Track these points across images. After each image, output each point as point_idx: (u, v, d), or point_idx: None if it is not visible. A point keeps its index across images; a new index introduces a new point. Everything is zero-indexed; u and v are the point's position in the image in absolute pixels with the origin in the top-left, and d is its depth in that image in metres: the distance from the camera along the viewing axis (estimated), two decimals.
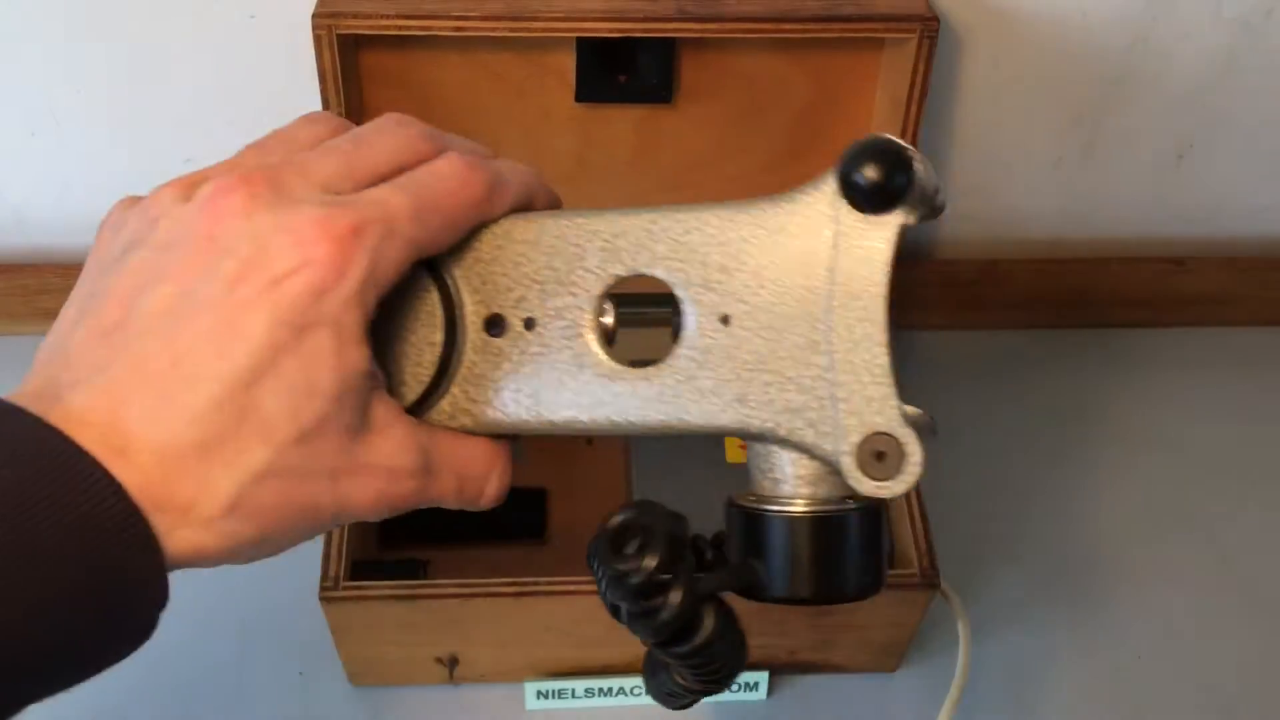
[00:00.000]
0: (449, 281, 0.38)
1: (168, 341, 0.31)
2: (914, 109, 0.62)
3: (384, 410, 0.35)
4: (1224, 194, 0.78)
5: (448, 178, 0.36)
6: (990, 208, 0.78)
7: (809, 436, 0.34)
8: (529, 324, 0.37)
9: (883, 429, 0.34)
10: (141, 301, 0.32)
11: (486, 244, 0.38)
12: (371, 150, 0.36)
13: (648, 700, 0.62)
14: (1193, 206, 0.79)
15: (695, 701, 0.42)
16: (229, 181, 0.33)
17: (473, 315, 0.38)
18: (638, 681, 0.61)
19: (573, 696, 0.62)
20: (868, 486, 0.34)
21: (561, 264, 0.37)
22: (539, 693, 0.62)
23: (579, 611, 0.58)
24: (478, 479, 0.38)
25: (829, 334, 0.34)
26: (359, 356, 0.33)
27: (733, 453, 0.65)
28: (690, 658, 0.36)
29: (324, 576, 0.57)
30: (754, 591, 0.36)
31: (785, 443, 0.35)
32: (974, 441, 0.76)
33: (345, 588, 0.57)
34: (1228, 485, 0.74)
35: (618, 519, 0.35)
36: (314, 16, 0.58)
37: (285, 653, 0.64)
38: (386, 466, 0.35)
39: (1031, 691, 0.64)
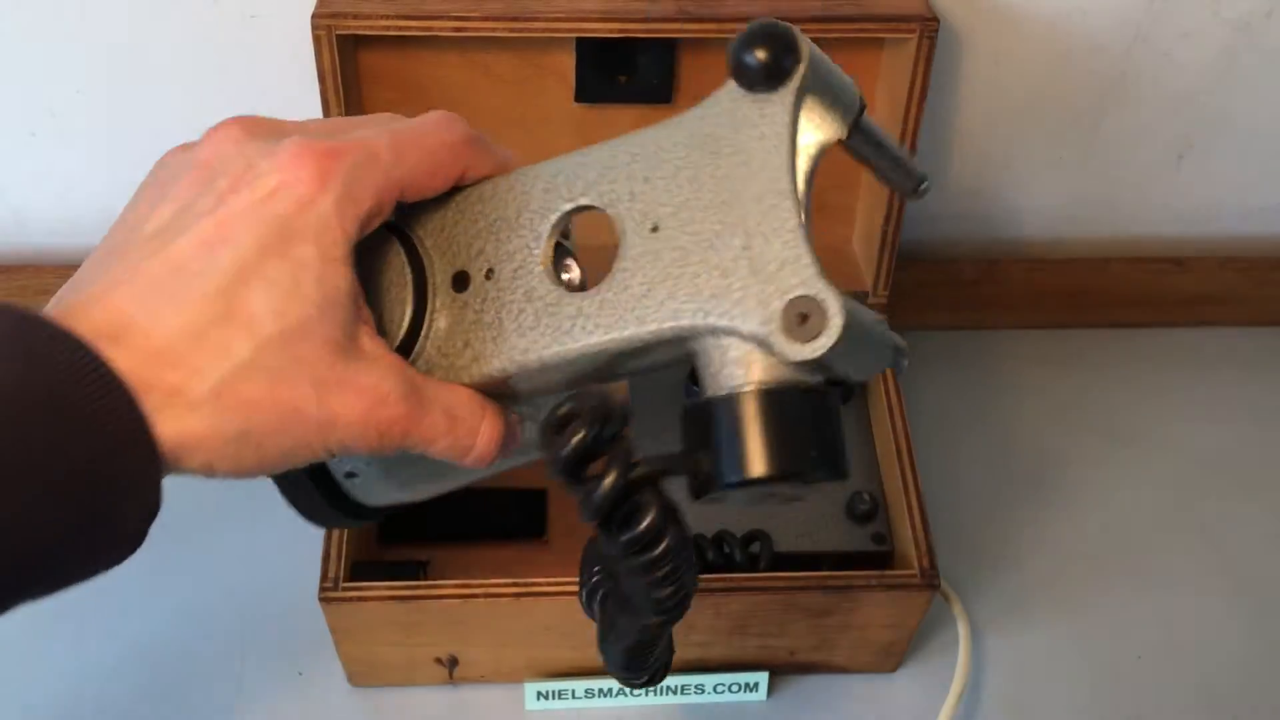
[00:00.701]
0: (419, 248, 0.40)
1: (164, 247, 0.34)
2: (914, 109, 0.62)
3: (372, 343, 0.37)
4: (1223, 194, 0.78)
5: (427, 122, 0.39)
6: (990, 208, 0.78)
7: (736, 318, 0.34)
8: (489, 274, 0.39)
9: (801, 291, 0.33)
10: (144, 225, 0.36)
11: (452, 210, 0.40)
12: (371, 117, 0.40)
13: (647, 700, 0.62)
14: (1192, 207, 0.79)
15: (653, 668, 0.43)
16: (226, 120, 0.37)
17: (442, 276, 0.40)
18: None
19: (572, 697, 0.62)
20: (795, 350, 0.33)
21: (511, 212, 0.39)
22: (539, 693, 0.62)
23: (579, 612, 0.58)
24: (469, 422, 0.38)
25: (742, 213, 0.35)
26: (341, 274, 0.35)
27: None
28: (637, 549, 0.35)
29: (324, 577, 0.57)
30: (707, 481, 0.35)
31: (717, 331, 0.35)
32: (974, 441, 0.76)
33: (345, 588, 0.57)
34: (1228, 485, 0.74)
35: (560, 406, 0.35)
36: (314, 17, 0.58)
37: (285, 653, 0.64)
38: (374, 387, 0.36)
39: (1031, 691, 0.64)
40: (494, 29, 0.59)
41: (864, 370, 0.36)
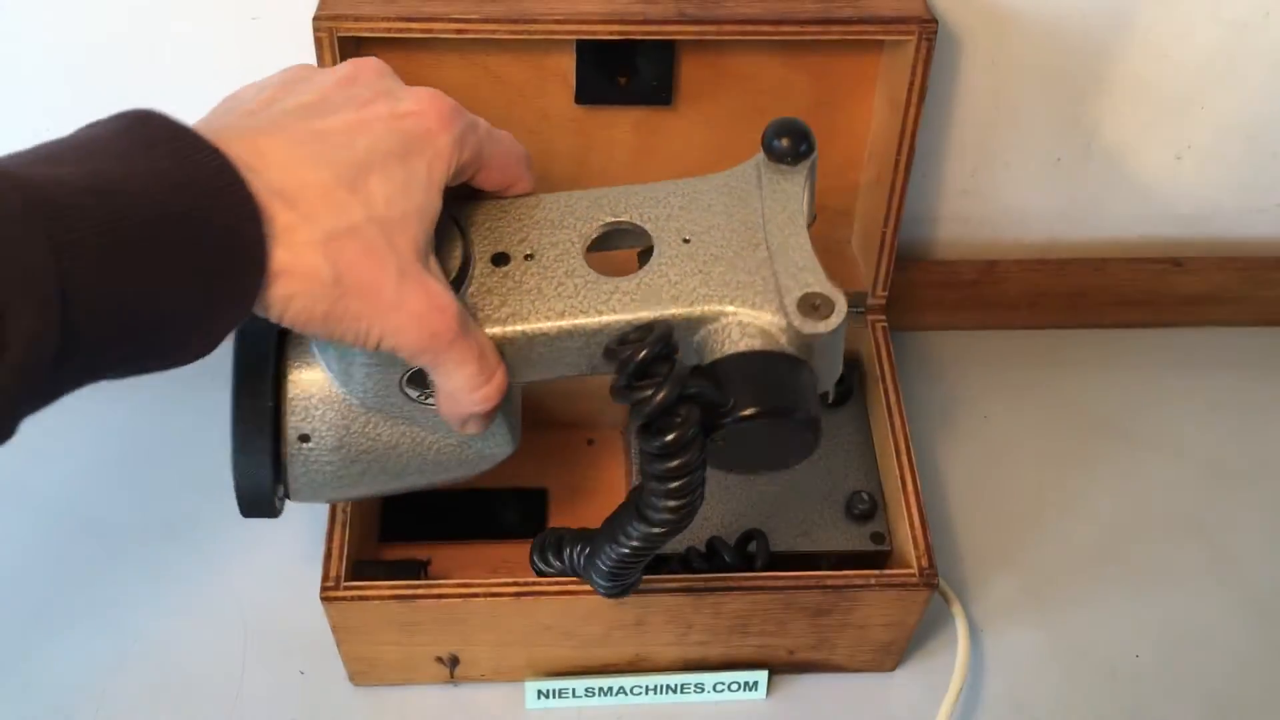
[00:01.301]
0: (466, 233, 0.47)
1: (306, 119, 0.41)
2: (912, 110, 0.62)
3: (438, 271, 0.43)
4: (1222, 194, 0.78)
5: (506, 133, 0.48)
6: (989, 208, 0.78)
7: (758, 301, 0.45)
8: (529, 257, 0.47)
9: (816, 288, 0.45)
10: (283, 100, 0.42)
11: (494, 209, 0.49)
12: None
13: (647, 699, 0.63)
14: (1191, 207, 0.79)
15: (628, 581, 0.52)
16: (364, 57, 0.45)
17: (481, 254, 0.47)
18: (637, 680, 0.62)
19: (573, 696, 0.62)
20: (810, 326, 0.44)
21: (555, 216, 0.48)
22: (539, 692, 0.62)
23: (579, 611, 0.58)
24: (490, 362, 0.44)
25: (766, 237, 0.47)
26: (436, 197, 0.43)
27: None
28: (665, 455, 0.43)
29: (325, 576, 0.57)
30: (725, 411, 0.43)
31: (740, 313, 0.45)
32: (972, 441, 0.76)
33: (346, 587, 0.57)
34: (1227, 485, 0.74)
35: (625, 342, 0.44)
36: (315, 19, 0.58)
37: (286, 652, 0.64)
38: (438, 294, 0.42)
39: (1030, 690, 0.65)
40: (494, 31, 0.59)
41: (825, 371, 0.46)
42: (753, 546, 0.61)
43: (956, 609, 0.65)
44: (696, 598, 0.57)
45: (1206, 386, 0.80)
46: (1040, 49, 0.69)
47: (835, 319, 0.44)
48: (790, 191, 0.49)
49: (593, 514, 0.64)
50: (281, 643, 0.64)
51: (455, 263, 0.46)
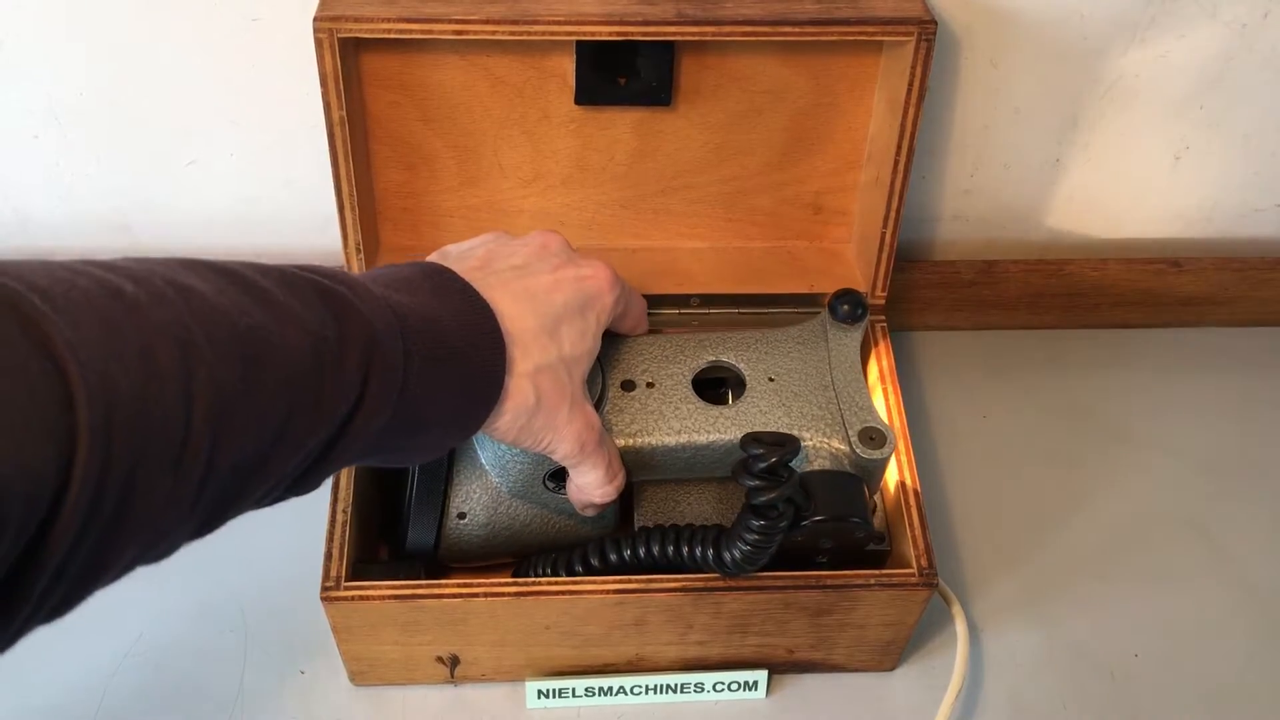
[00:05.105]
0: (603, 364, 0.59)
1: (520, 279, 0.52)
2: (912, 110, 0.62)
3: (588, 395, 0.55)
4: (1220, 195, 0.78)
5: (640, 300, 0.62)
6: (988, 208, 0.78)
7: (828, 432, 0.58)
8: (650, 385, 0.60)
9: (871, 424, 0.58)
10: (499, 260, 0.54)
11: (622, 345, 0.61)
12: None
13: (647, 699, 0.63)
14: (1189, 207, 0.79)
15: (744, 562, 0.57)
16: (549, 230, 0.58)
17: (612, 381, 0.59)
18: (637, 680, 0.62)
19: (573, 695, 0.62)
20: (868, 453, 0.57)
21: (669, 354, 0.61)
22: (539, 691, 0.62)
23: (579, 611, 0.58)
24: (616, 467, 0.56)
25: (832, 381, 0.60)
26: (598, 342, 0.55)
27: None
28: (760, 532, 0.53)
29: (325, 576, 0.57)
30: (808, 514, 0.55)
31: (815, 440, 0.58)
32: (972, 441, 0.76)
33: (346, 587, 0.57)
34: (1225, 485, 0.74)
35: (761, 441, 0.52)
36: (315, 20, 0.58)
37: (287, 652, 0.64)
38: (591, 416, 0.54)
39: (1029, 691, 0.65)
40: (494, 32, 0.59)
41: (874, 483, 0.59)
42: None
43: (956, 609, 0.65)
44: (696, 597, 0.58)
45: (1206, 386, 0.80)
46: (1040, 49, 0.69)
47: (888, 448, 0.57)
48: (849, 345, 0.62)
49: None
50: (281, 643, 0.65)
51: (597, 389, 0.58)
